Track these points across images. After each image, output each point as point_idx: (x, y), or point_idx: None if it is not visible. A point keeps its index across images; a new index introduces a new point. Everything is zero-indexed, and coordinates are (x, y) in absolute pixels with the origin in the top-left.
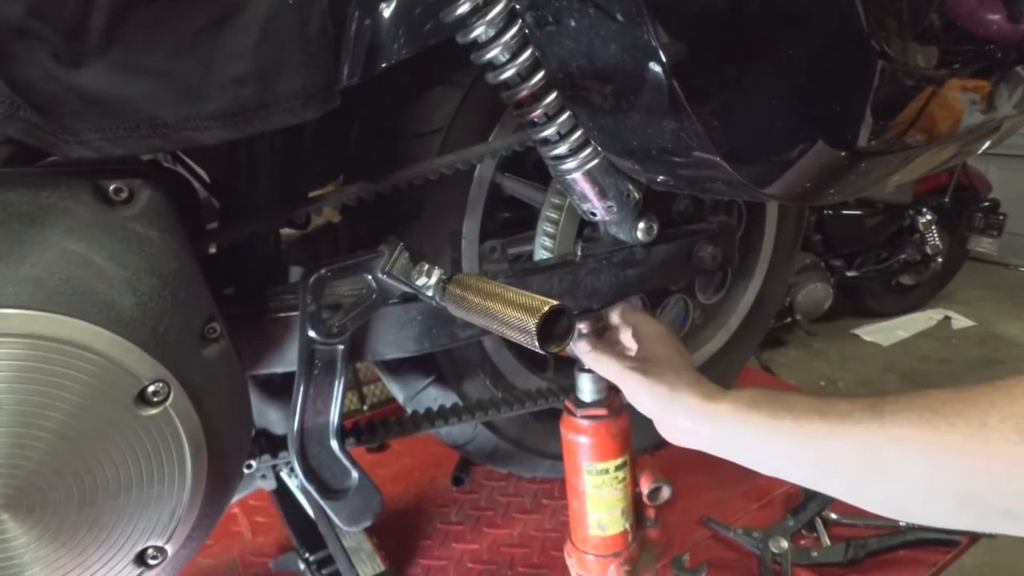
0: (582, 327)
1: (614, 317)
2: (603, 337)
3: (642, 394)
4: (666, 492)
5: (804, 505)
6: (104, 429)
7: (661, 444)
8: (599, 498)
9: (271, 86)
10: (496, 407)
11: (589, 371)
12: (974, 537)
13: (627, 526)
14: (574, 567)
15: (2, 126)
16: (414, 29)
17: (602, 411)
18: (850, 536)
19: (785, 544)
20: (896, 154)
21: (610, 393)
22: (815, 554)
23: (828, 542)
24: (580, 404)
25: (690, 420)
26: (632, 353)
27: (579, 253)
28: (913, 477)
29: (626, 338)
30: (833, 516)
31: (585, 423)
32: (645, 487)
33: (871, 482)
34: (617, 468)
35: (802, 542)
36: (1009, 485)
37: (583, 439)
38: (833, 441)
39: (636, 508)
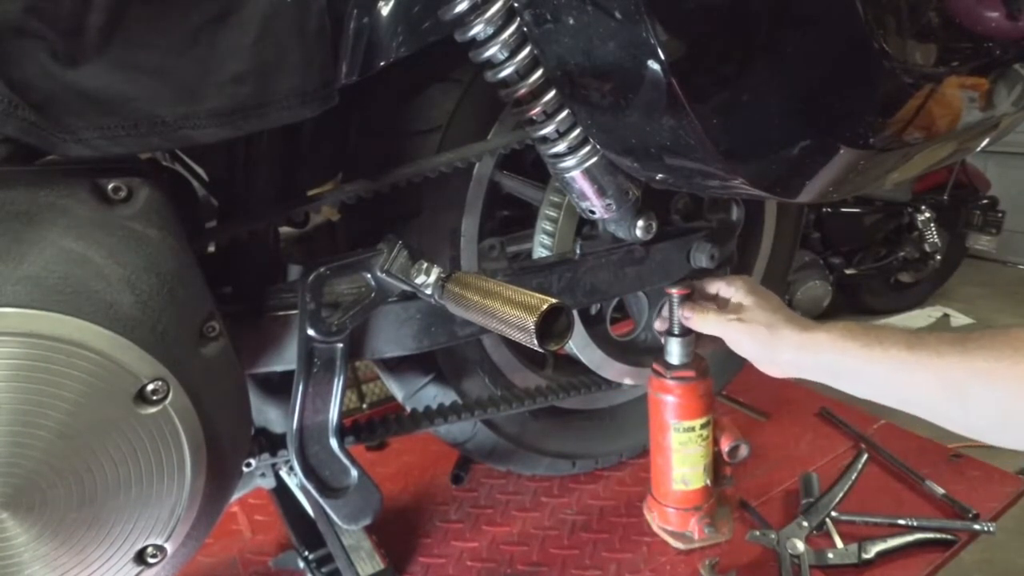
0: (674, 293)
1: (702, 285)
2: (696, 301)
3: (745, 339)
4: (744, 450)
5: (814, 505)
6: (103, 428)
7: None
8: (684, 454)
9: (269, 84)
10: (495, 405)
11: (678, 336)
12: (973, 534)
13: (708, 482)
14: (655, 520)
15: (0, 125)
16: (413, 27)
17: (690, 372)
18: (849, 532)
19: (801, 546)
20: (895, 152)
21: (697, 356)
22: (831, 555)
23: (840, 543)
24: (669, 367)
25: (792, 352)
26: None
27: (578, 251)
28: (991, 407)
29: (718, 298)
30: (833, 514)
31: (674, 384)
32: (725, 445)
33: (952, 409)
34: (702, 426)
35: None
36: None
37: (671, 399)
38: (919, 372)
39: (715, 465)
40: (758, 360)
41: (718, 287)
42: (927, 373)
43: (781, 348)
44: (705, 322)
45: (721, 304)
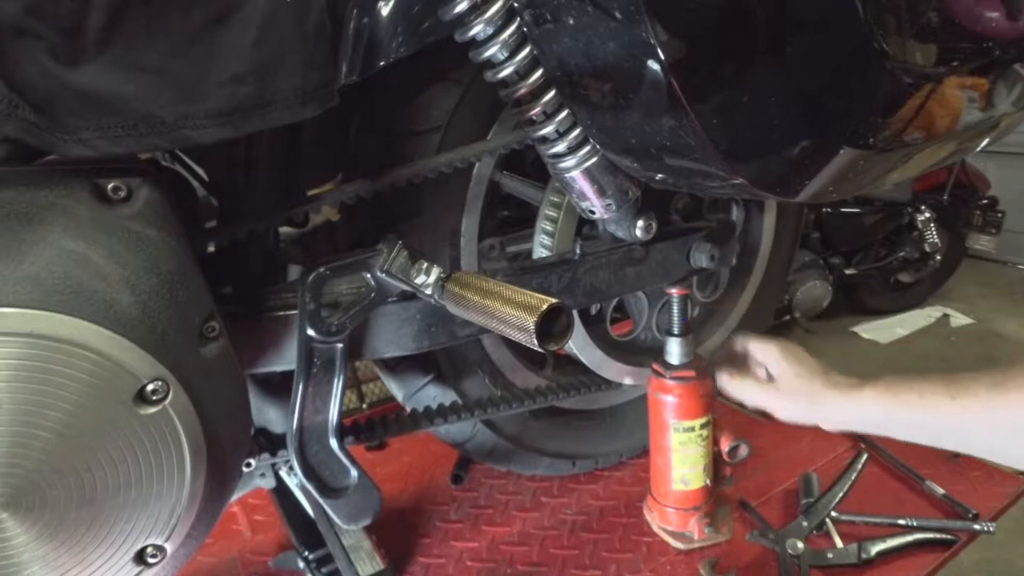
0: (674, 293)
1: (739, 345)
2: (735, 366)
3: (788, 410)
4: (744, 450)
5: (814, 505)
6: (103, 428)
7: None
8: (684, 454)
9: (269, 84)
10: (495, 405)
11: (678, 335)
12: (972, 534)
13: (708, 482)
14: (655, 520)
15: (0, 125)
16: (412, 27)
17: (690, 372)
18: (849, 532)
19: (801, 546)
20: (895, 152)
21: (697, 356)
22: (830, 555)
23: (840, 543)
24: (669, 367)
25: (838, 412)
26: (761, 373)
27: (578, 251)
28: None
29: (752, 362)
30: (833, 514)
31: (674, 384)
32: (725, 445)
33: (1009, 449)
34: (702, 426)
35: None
36: None
37: (671, 399)
38: (966, 420)
39: (715, 465)
40: (807, 422)
41: (752, 350)
42: (975, 421)
43: (826, 410)
44: (744, 391)
45: (756, 365)
